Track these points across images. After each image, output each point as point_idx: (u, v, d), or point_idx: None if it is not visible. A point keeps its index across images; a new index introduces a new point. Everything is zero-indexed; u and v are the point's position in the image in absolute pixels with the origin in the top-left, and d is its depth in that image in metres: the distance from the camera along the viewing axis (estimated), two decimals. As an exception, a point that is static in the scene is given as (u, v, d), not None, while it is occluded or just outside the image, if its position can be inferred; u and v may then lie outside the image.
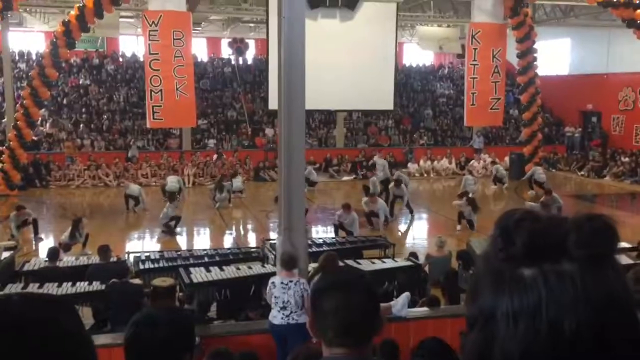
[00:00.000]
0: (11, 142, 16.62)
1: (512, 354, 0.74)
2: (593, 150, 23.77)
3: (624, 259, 7.59)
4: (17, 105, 17.53)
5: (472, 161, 22.00)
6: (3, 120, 21.50)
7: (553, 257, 0.76)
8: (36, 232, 12.51)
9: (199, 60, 27.56)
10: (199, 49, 28.82)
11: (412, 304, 7.17)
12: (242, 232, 14.37)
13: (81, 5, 14.24)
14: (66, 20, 14.78)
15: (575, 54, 26.68)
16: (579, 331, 0.72)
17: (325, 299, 1.70)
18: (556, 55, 26.92)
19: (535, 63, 18.31)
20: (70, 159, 20.11)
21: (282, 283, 6.23)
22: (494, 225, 0.81)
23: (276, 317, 6.21)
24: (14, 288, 7.65)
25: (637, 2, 14.88)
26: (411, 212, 14.97)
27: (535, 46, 18.11)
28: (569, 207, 16.87)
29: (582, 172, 22.50)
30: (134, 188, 15.60)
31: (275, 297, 6.21)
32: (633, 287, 0.78)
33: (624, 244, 8.63)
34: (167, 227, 13.01)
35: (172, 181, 16.52)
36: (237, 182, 17.38)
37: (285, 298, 6.16)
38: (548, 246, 0.76)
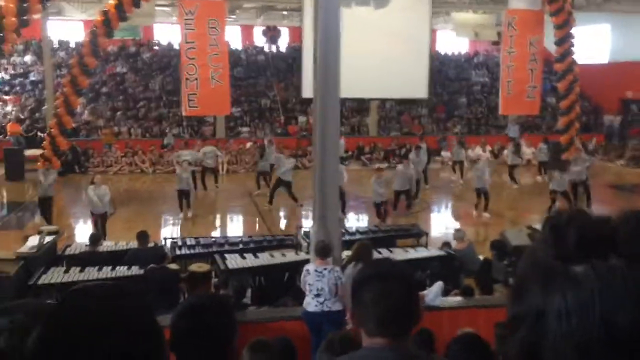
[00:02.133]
0: (52, 130, 17.00)
1: (565, 351, 0.75)
2: (633, 139, 23.19)
3: None
4: (57, 93, 17.92)
5: (506, 150, 21.68)
6: (43, 108, 22.04)
7: (602, 253, 0.78)
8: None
9: (233, 48, 27.72)
10: (233, 37, 28.95)
11: (444, 293, 7.17)
12: (276, 219, 14.51)
13: (119, -6, 14.43)
14: (105, 9, 15.01)
15: (615, 40, 25.95)
16: (633, 325, 0.72)
17: (366, 289, 1.74)
18: (595, 42, 26.24)
19: (573, 50, 17.87)
20: (108, 146, 20.53)
21: (316, 271, 6.30)
22: (542, 224, 0.84)
23: (310, 304, 6.29)
24: (56, 271, 7.91)
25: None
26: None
27: (573, 32, 17.67)
28: (608, 197, 16.56)
29: (621, 162, 22.01)
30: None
31: (309, 284, 6.29)
32: None
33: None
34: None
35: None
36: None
37: (319, 285, 6.23)
38: (597, 243, 0.79)
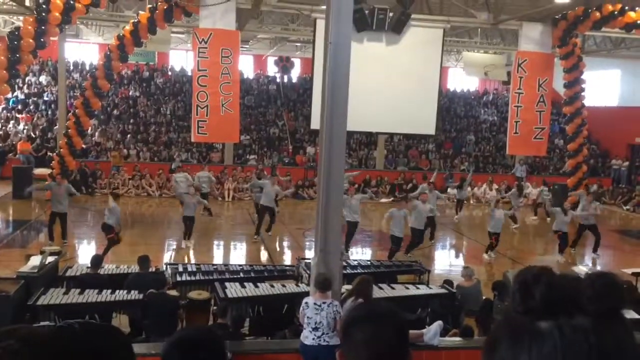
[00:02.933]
0: (62, 150, 17.18)
1: None
2: (640, 184, 23.16)
3: (632, 314, 7.28)
4: (69, 114, 18.15)
5: (513, 189, 21.67)
6: (55, 128, 22.29)
7: (568, 311, 0.81)
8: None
9: (245, 76, 28.06)
10: (245, 65, 29.35)
11: (443, 332, 7.11)
12: (278, 249, 14.49)
13: (136, 21, 14.73)
14: (121, 34, 15.29)
15: (625, 85, 26.12)
16: None
17: (357, 329, 1.74)
18: (605, 87, 26.40)
19: (582, 94, 18.00)
20: (116, 168, 20.67)
21: (315, 304, 6.27)
22: (512, 280, 0.87)
23: (308, 337, 6.25)
24: (55, 292, 7.90)
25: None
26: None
27: (583, 77, 17.83)
28: (614, 242, 16.44)
29: (628, 207, 21.93)
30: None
31: (307, 317, 6.26)
32: None
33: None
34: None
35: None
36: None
37: (317, 319, 6.20)
38: (563, 301, 0.82)
